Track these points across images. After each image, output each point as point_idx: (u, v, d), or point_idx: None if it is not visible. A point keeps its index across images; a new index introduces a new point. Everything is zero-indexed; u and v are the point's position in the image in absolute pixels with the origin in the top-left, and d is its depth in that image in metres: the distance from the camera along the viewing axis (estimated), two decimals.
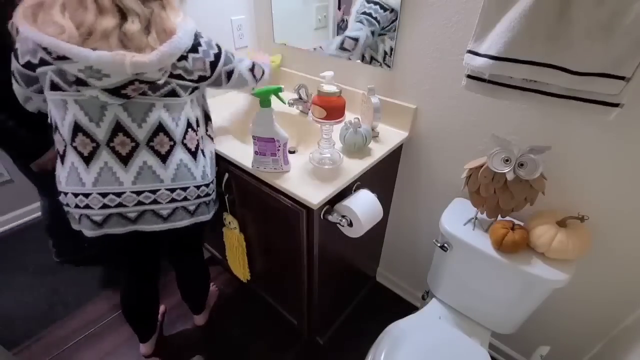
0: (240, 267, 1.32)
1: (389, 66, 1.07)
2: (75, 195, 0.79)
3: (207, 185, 0.91)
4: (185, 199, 0.86)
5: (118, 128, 0.76)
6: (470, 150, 1.01)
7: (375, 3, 1.01)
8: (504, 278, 0.92)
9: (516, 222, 0.91)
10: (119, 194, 0.80)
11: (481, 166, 0.88)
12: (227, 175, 1.07)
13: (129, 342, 1.37)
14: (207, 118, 0.95)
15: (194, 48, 0.79)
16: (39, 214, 2.00)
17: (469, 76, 0.79)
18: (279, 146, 0.87)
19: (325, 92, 0.82)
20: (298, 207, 0.88)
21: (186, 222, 0.90)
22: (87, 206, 0.80)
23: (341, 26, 1.14)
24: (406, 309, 1.51)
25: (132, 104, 0.76)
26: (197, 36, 0.80)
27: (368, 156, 0.99)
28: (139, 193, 0.81)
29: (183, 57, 0.77)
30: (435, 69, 0.97)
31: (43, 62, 0.70)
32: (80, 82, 0.70)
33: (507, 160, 0.82)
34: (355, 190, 0.95)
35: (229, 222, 1.22)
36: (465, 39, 0.86)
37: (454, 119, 1.00)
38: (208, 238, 1.61)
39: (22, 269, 1.69)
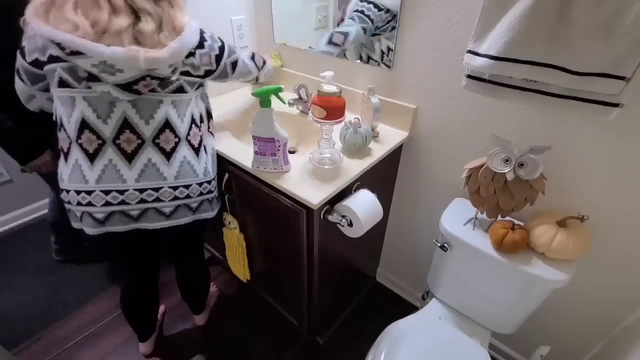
0: (240, 267, 1.32)
1: (387, 66, 1.07)
2: (78, 192, 0.79)
3: (209, 182, 0.92)
4: (187, 196, 0.87)
5: (125, 125, 0.77)
6: (470, 150, 1.01)
7: (369, 2, 1.02)
8: (504, 278, 0.92)
9: (516, 222, 0.91)
10: (121, 192, 0.80)
11: (481, 166, 0.88)
12: (227, 175, 1.07)
13: (129, 342, 1.37)
14: (209, 115, 0.96)
15: (200, 44, 0.82)
16: (39, 214, 2.02)
17: (469, 76, 0.79)
18: (279, 146, 0.87)
19: (325, 92, 0.82)
20: (298, 207, 0.88)
21: (188, 219, 0.90)
22: (89, 204, 0.80)
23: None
24: (406, 309, 1.51)
25: (141, 101, 0.77)
26: (201, 32, 0.82)
27: (368, 156, 0.99)
28: (141, 191, 0.81)
29: (191, 54, 0.80)
30: (435, 69, 0.97)
31: (52, 60, 0.71)
32: (91, 78, 0.71)
33: (507, 160, 0.82)
34: (355, 190, 0.95)
35: (229, 222, 1.22)
36: (465, 39, 0.86)
37: (454, 119, 1.00)
38: (208, 238, 1.61)
39: (22, 269, 1.69)
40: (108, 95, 0.73)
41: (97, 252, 1.71)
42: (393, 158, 1.16)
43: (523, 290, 0.90)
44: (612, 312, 0.95)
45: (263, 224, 1.12)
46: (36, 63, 0.74)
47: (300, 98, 1.25)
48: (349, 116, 0.97)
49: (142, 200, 0.82)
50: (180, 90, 0.81)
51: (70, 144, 0.78)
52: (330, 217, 0.90)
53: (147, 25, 0.71)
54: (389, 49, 1.04)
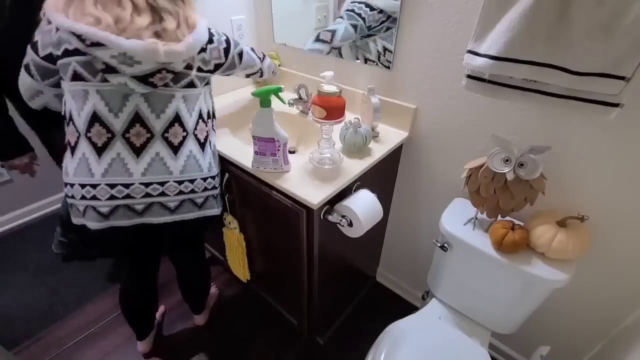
0: (240, 267, 1.32)
1: (385, 66, 1.07)
2: (82, 186, 0.80)
3: (213, 178, 0.92)
4: (192, 191, 0.87)
5: (136, 119, 0.78)
6: (470, 150, 1.01)
7: (360, 2, 1.02)
8: (504, 278, 0.92)
9: (516, 222, 0.91)
10: (127, 185, 0.80)
11: (481, 166, 0.88)
12: (227, 175, 1.07)
13: (129, 342, 1.37)
14: (213, 114, 0.97)
15: (210, 39, 0.85)
16: (39, 213, 2.03)
17: (469, 76, 0.79)
18: (279, 146, 0.87)
19: (325, 92, 0.82)
20: (298, 207, 0.88)
21: (194, 214, 0.90)
22: (94, 197, 0.80)
23: None
24: (406, 309, 1.51)
25: (154, 95, 0.79)
26: (209, 29, 0.85)
27: (368, 156, 0.99)
28: (147, 185, 0.81)
29: (202, 50, 0.83)
30: (435, 69, 0.97)
31: (67, 54, 0.73)
32: (108, 70, 0.72)
33: (507, 160, 0.82)
34: (355, 190, 0.95)
35: (229, 222, 1.22)
36: (465, 39, 0.86)
37: (454, 119, 1.00)
38: (208, 238, 1.61)
39: (22, 269, 1.69)
40: (124, 87, 0.75)
41: (98, 252, 1.72)
42: (393, 158, 1.16)
43: (523, 290, 0.90)
44: (612, 312, 0.95)
45: (263, 224, 1.12)
46: (49, 57, 0.75)
47: (300, 98, 1.25)
48: (349, 116, 0.97)
49: (148, 195, 0.82)
50: (191, 85, 0.83)
51: (78, 137, 0.79)
52: (330, 217, 0.90)
53: (170, 24, 0.75)
54: (385, 49, 1.04)
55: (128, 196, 0.81)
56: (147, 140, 0.80)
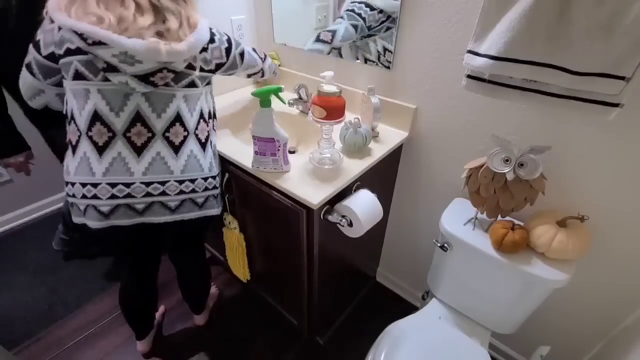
0: (240, 267, 1.32)
1: (385, 66, 1.07)
2: (83, 185, 0.80)
3: (213, 177, 0.92)
4: (193, 190, 0.87)
5: (137, 118, 0.78)
6: (470, 150, 1.01)
7: (361, 1, 1.02)
8: (504, 278, 0.92)
9: (516, 222, 0.91)
10: (128, 185, 0.80)
11: (481, 166, 0.88)
12: (227, 175, 1.07)
13: (129, 342, 1.37)
14: (214, 114, 0.97)
15: (212, 39, 0.86)
16: (39, 213, 2.02)
17: (469, 76, 0.79)
18: (279, 146, 0.87)
19: (325, 92, 0.82)
20: (298, 207, 0.88)
21: (194, 214, 0.90)
22: (94, 196, 0.80)
23: None
24: (406, 309, 1.51)
25: (155, 94, 0.79)
26: (210, 29, 0.85)
27: (368, 156, 0.99)
28: (148, 184, 0.81)
29: (204, 49, 0.83)
30: (435, 69, 0.97)
31: (69, 53, 0.73)
32: (110, 69, 0.72)
33: (507, 160, 0.82)
34: (355, 190, 0.95)
35: (229, 222, 1.22)
36: (465, 39, 0.86)
37: (454, 119, 1.00)
38: (208, 238, 1.61)
39: (22, 269, 1.69)
40: (125, 86, 0.75)
41: (99, 251, 1.72)
42: (393, 158, 1.16)
43: (523, 290, 0.90)
44: (612, 312, 0.95)
45: (263, 224, 1.12)
46: (52, 56, 0.76)
47: (300, 98, 1.25)
48: (349, 116, 0.97)
49: (148, 194, 0.82)
50: (192, 84, 0.83)
51: (79, 136, 0.79)
52: (330, 217, 0.90)
53: (173, 23, 0.75)
54: (385, 50, 1.04)
55: (129, 195, 0.81)
56: (148, 140, 0.80)
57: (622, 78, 0.60)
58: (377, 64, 1.09)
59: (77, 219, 0.85)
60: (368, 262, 1.52)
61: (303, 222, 0.89)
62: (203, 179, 0.89)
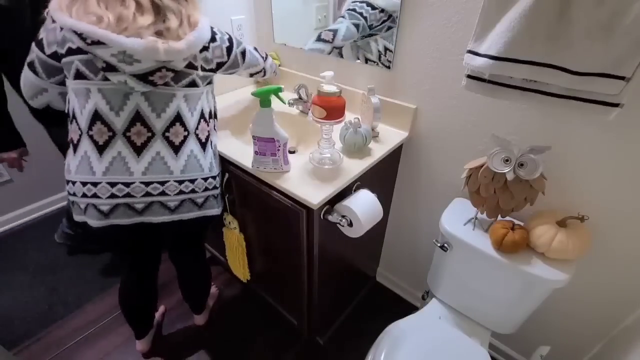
0: (240, 267, 1.32)
1: (385, 66, 1.07)
2: (84, 184, 0.80)
3: (214, 178, 0.92)
4: (193, 191, 0.87)
5: (137, 118, 0.78)
6: (470, 150, 1.01)
7: (362, 1, 1.02)
8: (504, 278, 0.92)
9: (516, 222, 0.91)
10: (127, 184, 0.80)
11: (481, 166, 0.88)
12: (227, 175, 1.07)
13: (129, 342, 1.37)
14: (215, 114, 0.97)
15: (213, 38, 0.86)
16: (39, 213, 2.03)
17: (469, 76, 0.79)
18: (279, 146, 0.87)
19: (325, 92, 0.82)
20: (298, 207, 0.88)
21: (194, 214, 0.90)
22: (94, 195, 0.80)
23: None
24: (406, 309, 1.51)
25: (154, 94, 0.79)
26: (211, 28, 0.85)
27: (368, 156, 0.99)
28: (147, 184, 0.81)
29: (205, 48, 0.83)
30: (435, 69, 0.97)
31: (70, 52, 0.74)
32: (109, 68, 0.72)
33: (507, 160, 0.82)
34: (355, 190, 0.95)
35: (229, 222, 1.22)
36: (465, 39, 0.86)
37: (454, 119, 1.00)
38: (208, 238, 1.61)
39: (22, 268, 1.69)
40: (124, 86, 0.75)
41: (101, 247, 1.73)
42: (393, 158, 1.16)
43: (523, 290, 0.90)
44: (612, 312, 0.95)
45: (263, 224, 1.12)
46: (55, 55, 0.76)
47: (300, 98, 1.25)
48: (349, 116, 0.97)
49: (148, 194, 0.82)
50: (193, 84, 0.83)
51: (80, 135, 0.79)
52: (330, 217, 0.90)
53: (173, 22, 0.75)
54: (386, 49, 1.04)
55: (128, 195, 0.81)
56: (148, 140, 0.80)
57: (622, 78, 0.60)
58: (378, 64, 1.09)
59: (77, 217, 0.85)
60: (368, 262, 1.52)
61: (303, 222, 0.89)
62: (203, 179, 0.88)
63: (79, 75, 0.75)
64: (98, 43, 0.68)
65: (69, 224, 1.66)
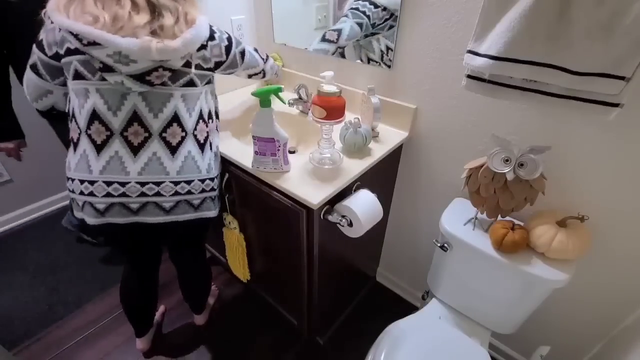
0: (240, 267, 1.32)
1: (387, 65, 1.07)
2: (82, 182, 0.80)
3: (211, 179, 0.92)
4: (189, 192, 0.87)
5: (134, 118, 0.78)
6: (470, 150, 1.01)
7: None
8: (504, 278, 0.92)
9: (516, 222, 0.91)
10: (123, 184, 0.80)
11: (481, 166, 0.88)
12: (227, 175, 1.07)
13: (129, 342, 1.37)
14: (216, 114, 0.96)
15: (211, 36, 0.85)
16: (39, 213, 2.03)
17: (469, 76, 0.79)
18: (279, 146, 0.87)
19: (325, 92, 0.82)
20: (298, 207, 0.88)
21: (189, 216, 0.90)
22: (91, 193, 0.80)
23: None
24: (406, 309, 1.51)
25: (152, 94, 0.78)
26: (210, 26, 0.85)
27: (368, 156, 0.99)
28: (143, 184, 0.81)
29: (203, 47, 0.82)
30: (435, 69, 0.97)
31: (69, 52, 0.74)
32: (106, 69, 0.72)
33: (507, 160, 0.82)
34: (355, 190, 0.95)
35: (229, 222, 1.22)
36: (465, 39, 0.86)
37: (454, 119, 1.00)
38: (208, 238, 1.61)
39: (22, 269, 1.69)
40: (121, 86, 0.75)
41: (104, 240, 1.75)
42: (393, 158, 1.16)
43: (523, 290, 0.90)
44: (612, 312, 0.95)
45: (263, 224, 1.12)
46: (56, 56, 0.76)
47: (300, 98, 1.25)
48: (349, 116, 0.97)
49: (143, 194, 0.82)
50: (191, 84, 0.83)
51: (79, 134, 0.79)
52: (330, 217, 0.90)
53: (168, 20, 0.74)
54: (388, 48, 1.04)
55: (123, 195, 0.81)
56: (145, 140, 0.80)
57: (622, 78, 0.60)
58: (379, 64, 1.09)
59: (77, 214, 0.86)
60: (368, 262, 1.52)
61: (303, 222, 0.89)
62: (200, 180, 0.88)
63: (77, 76, 0.75)
64: (94, 44, 0.68)
65: (72, 212, 1.68)
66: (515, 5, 0.65)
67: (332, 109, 0.83)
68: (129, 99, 0.77)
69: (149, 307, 1.23)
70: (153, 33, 0.72)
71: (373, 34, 1.05)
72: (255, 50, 1.05)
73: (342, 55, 1.18)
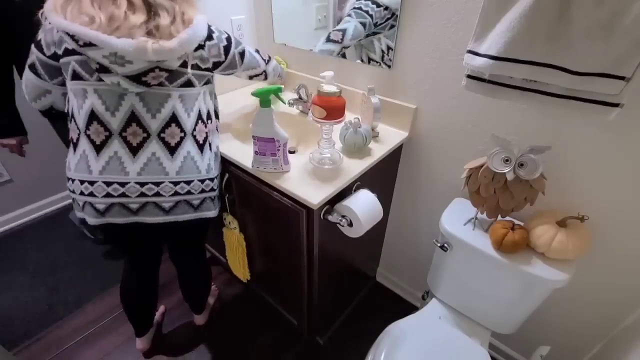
0: (240, 267, 1.32)
1: (388, 65, 1.07)
2: (82, 182, 0.81)
3: (211, 180, 0.92)
4: (188, 192, 0.87)
5: (132, 118, 0.78)
6: (470, 150, 1.01)
7: None
8: (504, 278, 0.92)
9: (516, 222, 0.91)
10: (123, 184, 0.80)
11: (481, 166, 0.88)
12: (227, 175, 1.07)
13: (129, 342, 1.37)
14: (216, 114, 0.96)
15: (209, 36, 0.84)
16: (39, 213, 2.03)
17: (469, 76, 0.79)
18: (279, 146, 0.87)
19: (325, 92, 0.82)
20: (298, 207, 0.88)
21: (189, 216, 0.90)
22: (91, 194, 0.81)
23: None
24: (406, 309, 1.51)
25: (149, 94, 0.78)
26: (209, 26, 0.84)
27: (368, 156, 0.99)
28: (142, 184, 0.81)
29: (200, 47, 0.82)
30: (435, 69, 0.97)
31: (67, 53, 0.74)
32: (102, 70, 0.72)
33: (507, 160, 0.82)
34: (355, 190, 0.95)
35: (229, 222, 1.22)
36: (465, 39, 0.86)
37: (454, 119, 1.00)
38: (208, 238, 1.61)
39: (22, 269, 1.69)
40: (117, 87, 0.74)
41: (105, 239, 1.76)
42: (393, 158, 1.16)
43: (523, 290, 0.90)
44: (612, 312, 0.95)
45: (263, 224, 1.12)
46: (54, 56, 0.76)
47: (300, 98, 1.25)
48: (349, 116, 0.97)
49: (142, 194, 0.82)
50: (189, 84, 0.82)
51: (79, 134, 0.79)
52: (330, 217, 0.90)
53: (164, 20, 0.73)
54: (388, 48, 1.04)
55: (123, 195, 0.81)
56: (144, 140, 0.80)
57: (622, 78, 0.60)
58: (379, 64, 1.09)
59: (78, 214, 0.87)
60: (368, 262, 1.52)
61: (303, 222, 0.89)
62: (200, 180, 0.88)
63: (75, 76, 0.75)
64: (90, 45, 0.68)
65: None
66: (515, 5, 0.65)
67: (332, 109, 0.83)
68: (126, 100, 0.77)
69: (149, 307, 1.23)
70: (149, 33, 0.72)
71: (374, 34, 1.05)
72: (257, 51, 1.04)
73: (343, 55, 1.18)
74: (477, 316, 1.07)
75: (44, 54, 0.77)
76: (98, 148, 0.79)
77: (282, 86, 0.89)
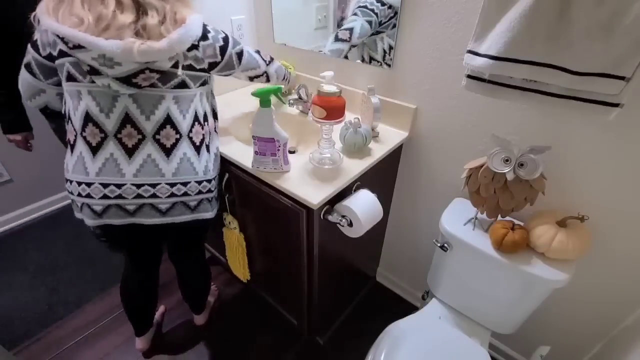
0: (240, 267, 1.32)
1: (389, 65, 1.07)
2: (79, 183, 0.81)
3: (208, 181, 0.91)
4: (185, 194, 0.86)
5: (127, 120, 0.78)
6: (470, 150, 1.01)
7: None
8: (504, 278, 0.92)
9: (516, 222, 0.91)
10: (119, 186, 0.80)
11: (481, 166, 0.88)
12: (227, 175, 1.07)
13: (129, 342, 1.37)
14: (214, 115, 0.96)
15: (204, 36, 0.82)
16: (39, 213, 2.03)
17: (469, 76, 0.79)
18: (279, 146, 0.87)
19: (325, 92, 0.82)
20: (298, 207, 0.88)
21: (186, 217, 0.89)
22: (88, 195, 0.81)
23: (341, 26, 1.14)
24: (406, 309, 1.51)
25: (142, 96, 0.77)
26: (205, 25, 0.83)
27: (368, 156, 0.99)
28: (139, 186, 0.81)
29: (194, 47, 0.80)
30: (435, 69, 0.97)
31: (61, 54, 0.73)
32: (93, 71, 0.72)
33: (507, 160, 0.82)
34: (355, 190, 0.95)
35: (229, 222, 1.22)
36: (465, 39, 0.86)
37: (454, 119, 1.00)
38: (208, 238, 1.61)
39: (22, 269, 1.69)
40: (108, 89, 0.74)
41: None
42: (393, 158, 1.16)
43: (523, 290, 0.90)
44: (612, 312, 0.95)
45: (263, 224, 1.12)
46: (50, 57, 0.76)
47: (300, 98, 1.25)
48: (349, 116, 0.97)
49: (139, 196, 0.82)
50: (183, 85, 0.81)
51: (75, 136, 0.79)
52: (330, 217, 0.90)
53: (152, 20, 0.72)
54: (390, 48, 1.04)
55: (120, 196, 0.81)
56: (139, 142, 0.79)
57: (622, 78, 0.60)
58: (380, 64, 1.09)
59: (76, 215, 0.87)
60: (368, 262, 1.52)
61: (303, 222, 0.89)
62: (197, 182, 0.88)
63: (70, 78, 0.75)
64: (79, 47, 0.68)
65: None
66: (515, 5, 0.65)
67: (332, 109, 0.83)
68: (120, 101, 0.76)
69: (149, 307, 1.23)
70: (137, 33, 0.71)
71: (378, 33, 1.05)
72: (257, 52, 1.01)
73: (345, 56, 1.17)
74: (477, 316, 1.07)
75: (39, 54, 0.77)
76: (94, 150, 0.79)
77: (282, 86, 0.88)
